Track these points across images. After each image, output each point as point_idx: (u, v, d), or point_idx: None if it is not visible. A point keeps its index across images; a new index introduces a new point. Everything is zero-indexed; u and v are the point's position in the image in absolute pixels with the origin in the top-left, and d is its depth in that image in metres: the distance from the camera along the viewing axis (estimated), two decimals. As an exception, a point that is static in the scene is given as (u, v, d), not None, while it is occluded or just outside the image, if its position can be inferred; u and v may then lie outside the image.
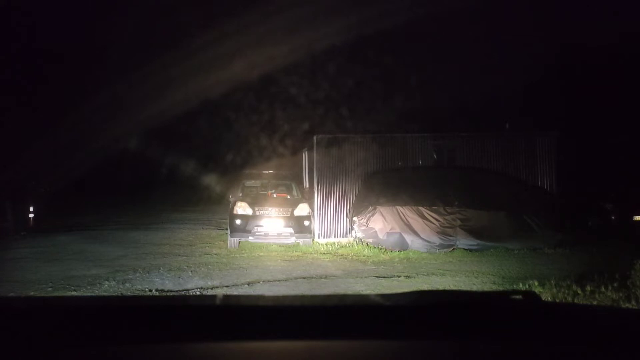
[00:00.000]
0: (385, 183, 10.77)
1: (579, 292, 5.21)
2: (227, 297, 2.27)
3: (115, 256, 9.02)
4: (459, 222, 9.97)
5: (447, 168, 11.52)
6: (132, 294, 6.23)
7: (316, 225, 11.14)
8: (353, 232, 10.64)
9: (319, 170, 11.50)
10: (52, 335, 1.16)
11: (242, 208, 10.02)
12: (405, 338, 1.18)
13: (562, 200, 11.32)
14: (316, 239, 10.99)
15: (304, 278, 7.32)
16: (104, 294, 6.28)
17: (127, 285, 6.75)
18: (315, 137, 11.53)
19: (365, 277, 7.43)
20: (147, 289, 6.54)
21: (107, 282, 6.81)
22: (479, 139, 11.78)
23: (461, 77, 17.75)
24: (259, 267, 8.22)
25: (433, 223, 9.96)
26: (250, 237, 9.93)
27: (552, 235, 9.96)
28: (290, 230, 9.91)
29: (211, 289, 6.61)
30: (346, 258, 9.28)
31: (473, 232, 9.89)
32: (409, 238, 9.93)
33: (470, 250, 9.77)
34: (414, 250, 9.80)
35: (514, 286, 6.35)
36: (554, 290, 5.49)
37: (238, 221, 9.89)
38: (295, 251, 9.90)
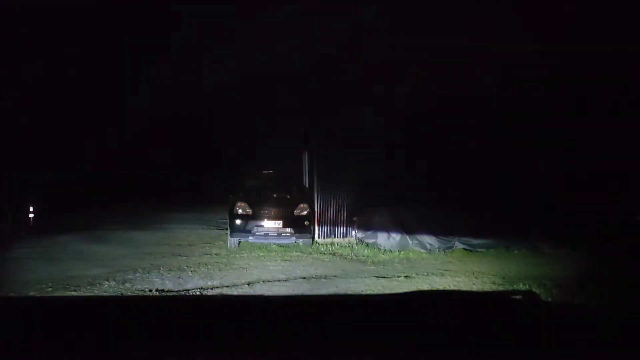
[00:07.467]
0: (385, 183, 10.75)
1: (579, 292, 5.21)
2: (227, 297, 2.27)
3: (115, 256, 9.01)
4: (458, 223, 9.96)
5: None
6: (132, 294, 6.23)
7: (316, 225, 11.13)
8: (353, 232, 10.64)
9: (319, 171, 11.49)
10: (52, 335, 1.16)
11: (242, 208, 10.03)
12: (406, 338, 1.18)
13: (560, 200, 11.29)
14: (316, 239, 10.99)
15: (304, 278, 7.32)
16: (104, 294, 6.28)
17: (127, 285, 6.75)
18: (315, 137, 11.52)
19: (365, 277, 7.43)
20: (147, 289, 6.54)
21: (107, 282, 6.81)
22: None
23: (461, 77, 17.72)
24: (259, 267, 8.22)
25: (433, 223, 9.95)
26: (250, 237, 9.93)
27: (550, 235, 9.94)
28: (290, 230, 9.91)
29: (211, 289, 6.61)
30: (346, 258, 9.28)
31: (473, 232, 9.89)
32: (408, 238, 9.92)
33: (470, 250, 9.77)
34: (414, 251, 9.80)
35: (514, 286, 6.35)
36: (554, 290, 5.48)
37: (238, 221, 9.89)
38: (295, 251, 9.89)
